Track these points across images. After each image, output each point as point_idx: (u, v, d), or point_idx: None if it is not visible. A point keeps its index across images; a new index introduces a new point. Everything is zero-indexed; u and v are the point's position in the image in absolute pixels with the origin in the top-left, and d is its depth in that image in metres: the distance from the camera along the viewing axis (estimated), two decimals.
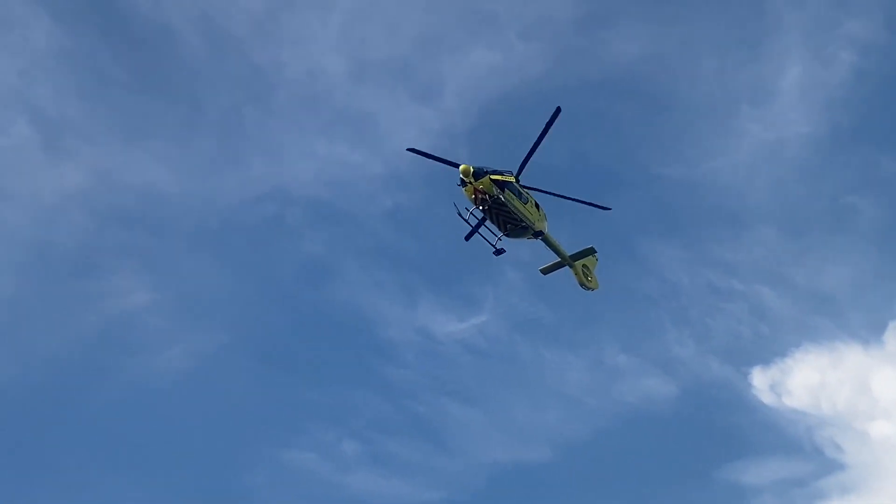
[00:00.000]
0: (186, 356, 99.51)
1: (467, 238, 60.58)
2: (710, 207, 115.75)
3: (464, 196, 58.39)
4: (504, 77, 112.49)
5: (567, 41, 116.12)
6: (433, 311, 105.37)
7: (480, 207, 58.45)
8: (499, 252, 60.85)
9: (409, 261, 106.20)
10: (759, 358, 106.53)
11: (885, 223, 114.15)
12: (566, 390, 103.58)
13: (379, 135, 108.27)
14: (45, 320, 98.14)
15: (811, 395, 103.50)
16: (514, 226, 59.94)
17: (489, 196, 57.60)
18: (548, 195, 60.87)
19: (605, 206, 62.14)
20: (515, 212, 59.07)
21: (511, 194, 58.61)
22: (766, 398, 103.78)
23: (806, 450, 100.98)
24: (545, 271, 67.18)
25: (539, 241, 63.30)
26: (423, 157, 58.73)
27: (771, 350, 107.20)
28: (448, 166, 57.98)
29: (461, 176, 57.40)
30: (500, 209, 58.49)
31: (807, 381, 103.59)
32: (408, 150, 59.32)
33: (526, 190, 60.18)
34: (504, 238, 60.60)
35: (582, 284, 67.11)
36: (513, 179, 58.88)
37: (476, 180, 57.31)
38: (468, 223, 59.43)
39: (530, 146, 58.26)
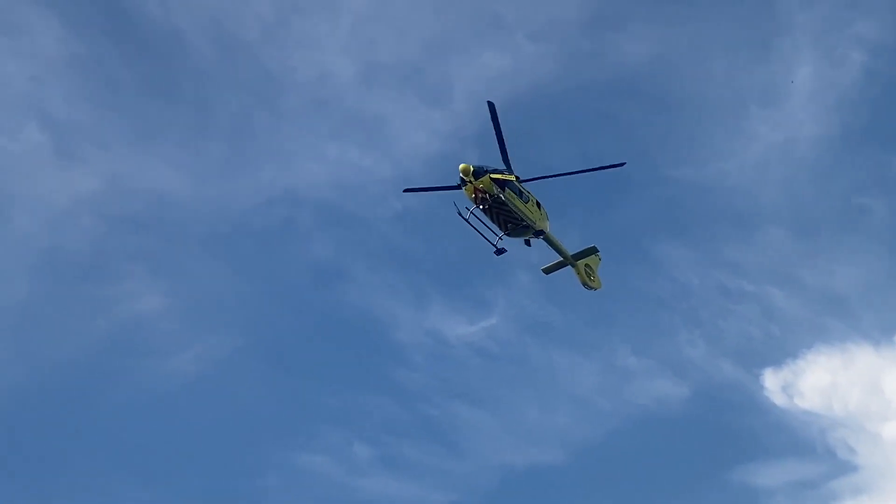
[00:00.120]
0: (198, 360, 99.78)
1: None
2: (721, 209, 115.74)
3: (464, 196, 58.12)
4: (513, 79, 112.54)
5: (576, 43, 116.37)
6: (444, 313, 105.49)
7: (481, 207, 58.19)
8: (500, 252, 60.41)
9: (419, 263, 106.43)
10: (770, 359, 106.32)
11: None
12: (577, 392, 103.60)
13: (389, 138, 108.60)
14: (57, 324, 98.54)
15: (823, 397, 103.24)
16: (515, 225, 59.63)
17: (489, 195, 57.37)
18: (560, 177, 60.33)
19: (618, 163, 61.01)
20: (516, 211, 58.77)
21: (512, 193, 58.31)
22: (778, 400, 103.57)
23: (818, 451, 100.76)
24: (547, 271, 66.95)
25: (541, 241, 62.90)
26: (422, 192, 59.80)
27: (782, 351, 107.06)
28: (449, 191, 58.24)
29: (461, 175, 57.19)
30: (501, 208, 58.21)
31: (818, 382, 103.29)
32: (404, 191, 61.02)
33: (527, 189, 59.87)
34: (505, 237, 60.27)
35: (584, 284, 66.89)
36: (513, 178, 58.55)
37: (476, 179, 57.08)
38: (468, 222, 59.05)
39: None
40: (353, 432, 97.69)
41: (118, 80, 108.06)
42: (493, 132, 58.15)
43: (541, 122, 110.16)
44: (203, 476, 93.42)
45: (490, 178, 57.23)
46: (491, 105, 57.53)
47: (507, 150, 58.73)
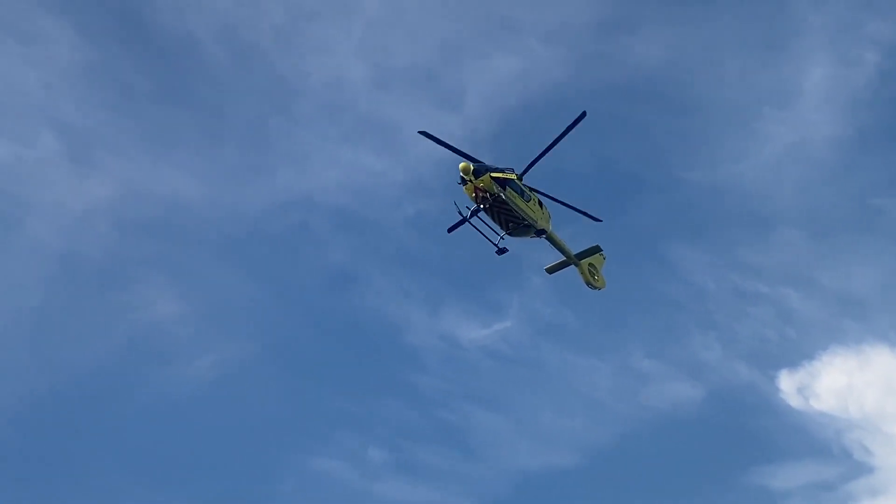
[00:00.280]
0: (214, 365, 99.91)
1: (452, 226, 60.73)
2: (735, 210, 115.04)
3: (465, 195, 58.09)
4: (526, 83, 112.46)
5: (589, 46, 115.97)
6: (458, 317, 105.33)
7: (482, 206, 58.13)
8: (501, 251, 60.30)
9: (432, 267, 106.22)
10: (786, 361, 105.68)
11: None
12: (592, 395, 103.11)
13: (402, 142, 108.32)
14: (73, 331, 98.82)
15: (839, 399, 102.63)
16: (517, 224, 59.55)
17: (490, 194, 57.25)
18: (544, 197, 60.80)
19: (596, 217, 62.46)
20: (517, 210, 58.64)
21: (513, 192, 58.15)
22: (794, 402, 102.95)
23: (834, 453, 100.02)
24: (550, 270, 66.83)
25: (545, 241, 63.03)
26: (437, 144, 58.04)
27: (798, 353, 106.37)
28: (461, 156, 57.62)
29: (461, 174, 57.04)
30: (502, 207, 58.11)
31: (834, 384, 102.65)
32: (419, 132, 58.47)
33: (529, 188, 59.80)
34: (506, 237, 60.21)
35: (588, 283, 66.76)
36: (514, 177, 58.37)
37: (476, 178, 56.87)
38: (469, 222, 59.20)
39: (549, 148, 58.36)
40: (368, 436, 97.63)
41: (132, 87, 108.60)
42: (558, 135, 58.03)
43: (553, 125, 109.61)
44: (219, 480, 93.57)
45: (490, 176, 57.01)
46: (583, 114, 57.37)
47: (543, 158, 58.94)
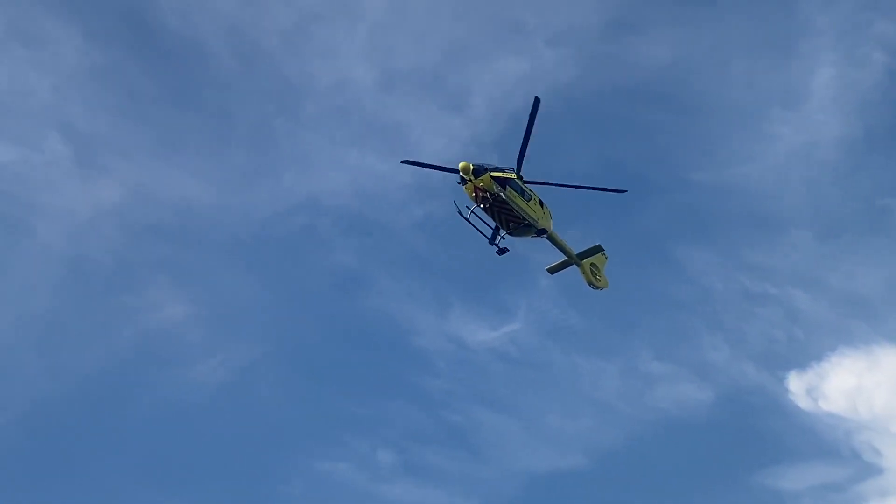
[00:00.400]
0: (222, 368, 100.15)
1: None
2: (743, 211, 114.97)
3: (465, 194, 57.90)
4: (532, 84, 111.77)
5: (595, 47, 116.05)
6: (465, 319, 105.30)
7: (482, 206, 57.92)
8: (502, 251, 60.37)
9: (440, 269, 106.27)
10: (794, 362, 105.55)
11: None
12: (600, 397, 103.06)
13: (408, 144, 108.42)
14: (82, 334, 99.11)
15: (848, 399, 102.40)
16: (517, 224, 59.36)
17: (490, 194, 57.05)
18: (561, 188, 60.10)
19: (620, 189, 60.99)
20: (518, 210, 58.43)
21: (513, 192, 57.92)
22: (803, 403, 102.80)
23: (844, 454, 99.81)
24: (552, 270, 66.68)
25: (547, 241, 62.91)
26: (421, 167, 58.76)
27: (807, 354, 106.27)
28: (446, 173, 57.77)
29: (461, 173, 56.87)
30: (502, 207, 57.93)
31: (843, 384, 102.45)
32: (402, 162, 59.65)
33: (529, 187, 59.48)
34: (507, 237, 60.11)
35: (590, 283, 66.60)
36: (514, 176, 58.07)
37: (476, 178, 56.73)
38: (469, 222, 58.79)
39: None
40: (377, 439, 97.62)
41: (139, 91, 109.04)
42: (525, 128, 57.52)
43: (561, 126, 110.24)
44: (227, 483, 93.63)
45: (490, 176, 56.84)
46: (537, 100, 57.27)
47: (527, 150, 58.35)
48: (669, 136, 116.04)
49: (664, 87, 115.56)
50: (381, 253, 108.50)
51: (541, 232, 61.22)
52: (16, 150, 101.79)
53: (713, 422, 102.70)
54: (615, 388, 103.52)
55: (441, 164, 58.12)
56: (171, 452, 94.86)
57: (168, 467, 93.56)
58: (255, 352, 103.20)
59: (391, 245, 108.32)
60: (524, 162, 58.53)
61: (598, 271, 67.06)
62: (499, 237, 60.09)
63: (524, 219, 59.19)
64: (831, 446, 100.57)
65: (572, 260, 65.81)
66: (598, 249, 66.86)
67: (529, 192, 59.41)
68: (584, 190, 60.39)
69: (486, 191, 57.04)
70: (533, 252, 64.63)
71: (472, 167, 56.76)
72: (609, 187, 60.83)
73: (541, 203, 60.52)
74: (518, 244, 61.19)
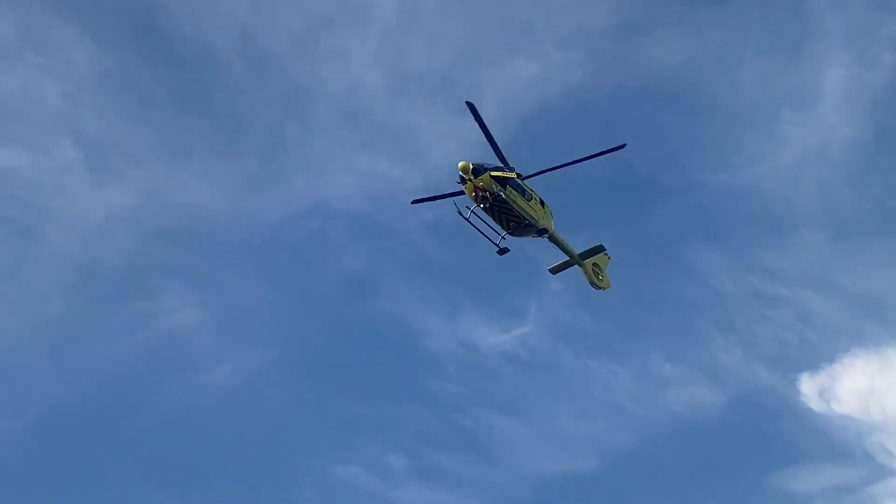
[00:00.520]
0: (233, 372, 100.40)
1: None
2: (754, 213, 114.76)
3: (465, 195, 57.68)
4: (543, 87, 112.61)
5: (605, 50, 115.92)
6: (476, 322, 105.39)
7: (482, 205, 57.65)
8: (503, 251, 59.87)
9: (450, 273, 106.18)
10: (806, 364, 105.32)
11: None
12: (612, 400, 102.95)
13: (419, 148, 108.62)
14: (94, 340, 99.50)
15: (860, 401, 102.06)
16: (518, 224, 59.05)
17: (490, 193, 56.77)
18: (565, 167, 59.17)
19: (618, 145, 59.47)
20: (518, 209, 58.09)
21: (514, 191, 57.58)
22: (815, 405, 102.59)
23: (856, 456, 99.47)
24: (554, 271, 66.37)
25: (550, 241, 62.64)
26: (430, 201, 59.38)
27: (819, 356, 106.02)
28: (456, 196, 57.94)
29: (460, 173, 56.67)
30: (502, 207, 57.65)
31: (856, 386, 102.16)
32: (412, 202, 60.69)
33: (530, 187, 59.20)
34: (508, 237, 59.76)
35: (593, 284, 66.25)
36: (514, 175, 57.79)
37: (476, 177, 56.50)
38: (469, 222, 58.50)
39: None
40: (388, 443, 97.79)
41: (150, 96, 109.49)
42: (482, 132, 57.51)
43: (571, 129, 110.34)
44: (239, 487, 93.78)
45: (490, 175, 56.58)
46: (470, 105, 57.34)
47: (501, 150, 58.15)
48: (680, 138, 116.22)
49: (674, 88, 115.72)
50: (392, 257, 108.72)
51: (542, 232, 60.87)
52: (28, 155, 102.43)
53: (725, 424, 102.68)
54: (627, 391, 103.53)
55: (448, 192, 58.37)
56: (182, 456, 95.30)
57: (180, 471, 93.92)
58: (266, 356, 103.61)
59: (401, 249, 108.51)
60: (507, 160, 58.47)
61: (601, 271, 66.68)
62: (500, 237, 59.75)
63: (525, 218, 58.87)
64: (844, 448, 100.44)
65: (574, 260, 65.52)
66: (600, 249, 66.51)
67: (530, 192, 59.04)
68: (586, 162, 59.13)
69: (486, 190, 56.77)
70: (542, 254, 64.81)
71: (471, 166, 56.55)
72: (606, 149, 59.50)
73: (542, 203, 60.15)
74: (526, 246, 61.30)
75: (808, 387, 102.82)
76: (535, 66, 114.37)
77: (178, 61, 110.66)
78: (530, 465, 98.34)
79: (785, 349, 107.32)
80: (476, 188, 56.82)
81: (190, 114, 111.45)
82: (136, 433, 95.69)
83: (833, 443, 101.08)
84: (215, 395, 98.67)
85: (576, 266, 66.12)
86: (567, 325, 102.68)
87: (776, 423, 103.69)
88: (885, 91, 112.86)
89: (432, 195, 59.01)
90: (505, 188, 57.19)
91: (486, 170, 56.82)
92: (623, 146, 59.41)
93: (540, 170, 59.03)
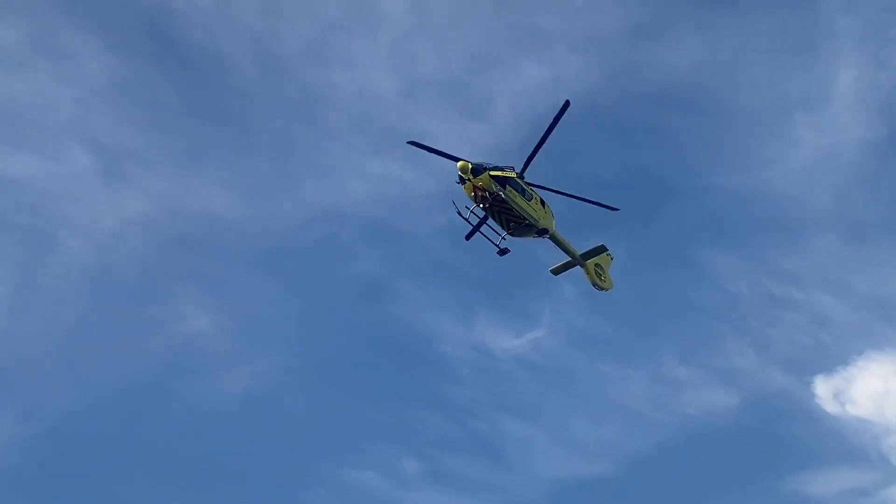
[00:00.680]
0: (248, 378, 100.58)
1: (468, 237, 59.75)
2: (767, 216, 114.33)
3: (464, 194, 57.66)
4: (555, 91, 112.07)
5: (617, 53, 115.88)
6: (489, 327, 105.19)
7: (481, 206, 57.51)
8: (503, 252, 59.80)
9: (464, 277, 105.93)
10: (821, 367, 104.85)
11: None
12: (626, 404, 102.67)
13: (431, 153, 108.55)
14: (109, 346, 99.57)
15: (875, 404, 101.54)
16: (518, 224, 58.83)
17: (489, 193, 56.60)
18: (556, 195, 59.86)
19: (613, 206, 60.80)
20: (518, 209, 57.88)
21: (513, 191, 57.38)
22: (830, 407, 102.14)
23: (871, 458, 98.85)
24: (556, 272, 66.28)
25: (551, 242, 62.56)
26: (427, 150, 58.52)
27: (833, 359, 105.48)
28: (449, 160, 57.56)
29: (459, 173, 56.62)
30: (502, 207, 57.45)
31: (871, 389, 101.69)
32: (408, 143, 59.57)
33: (531, 187, 59.04)
34: (508, 237, 59.67)
35: (595, 284, 66.01)
36: (514, 175, 57.57)
37: (475, 177, 56.36)
38: (469, 222, 58.52)
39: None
40: (402, 447, 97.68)
41: (163, 102, 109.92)
42: (547, 127, 57.25)
43: (584, 133, 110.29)
44: (253, 492, 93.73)
45: (489, 175, 56.40)
46: (567, 103, 56.98)
47: (538, 154, 58.09)
48: (693, 141, 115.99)
49: (687, 91, 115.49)
50: (405, 261, 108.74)
51: (542, 232, 60.63)
52: (41, 163, 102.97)
53: (740, 427, 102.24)
54: (641, 394, 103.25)
55: (449, 153, 57.94)
56: (197, 461, 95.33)
57: (194, 476, 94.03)
58: (280, 361, 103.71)
59: (414, 253, 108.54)
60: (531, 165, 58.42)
61: (603, 272, 66.46)
62: (500, 238, 59.69)
63: (525, 219, 58.65)
64: (859, 451, 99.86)
65: (576, 261, 65.33)
66: (602, 249, 66.15)
67: (530, 192, 58.90)
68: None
69: (485, 190, 56.60)
70: (554, 258, 64.76)
71: (470, 166, 56.45)
72: (602, 202, 60.65)
73: (542, 203, 60.00)
74: (537, 250, 61.32)
75: (822, 389, 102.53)
76: (547, 70, 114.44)
77: (190, 67, 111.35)
78: (544, 470, 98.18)
79: (799, 351, 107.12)
80: (475, 188, 56.69)
81: (202, 120, 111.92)
82: (151, 438, 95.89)
83: (848, 445, 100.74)
84: (230, 400, 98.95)
85: (578, 267, 65.98)
86: (580, 329, 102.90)
87: (791, 425, 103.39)
88: None
89: (433, 148, 58.46)
90: (504, 188, 56.99)
91: (485, 169, 56.63)
92: (617, 209, 61.11)
93: (539, 184, 59.35)
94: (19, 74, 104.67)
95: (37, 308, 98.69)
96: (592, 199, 60.38)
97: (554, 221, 61.44)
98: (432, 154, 58.22)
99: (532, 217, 58.96)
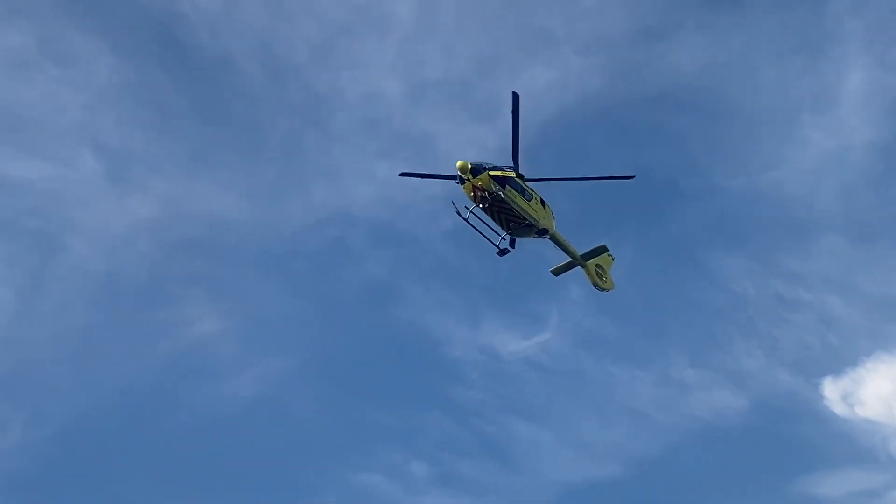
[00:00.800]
0: (256, 381, 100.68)
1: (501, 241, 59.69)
2: (775, 217, 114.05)
3: (464, 194, 57.48)
4: (562, 93, 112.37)
5: (624, 55, 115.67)
6: (497, 329, 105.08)
7: (481, 206, 57.29)
8: (503, 252, 59.73)
9: (471, 280, 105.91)
10: (829, 368, 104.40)
11: None
12: (634, 406, 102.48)
13: (438, 155, 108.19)
14: (116, 350, 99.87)
15: (884, 405, 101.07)
16: (518, 224, 58.65)
17: (489, 193, 56.42)
18: (568, 181, 59.51)
19: (627, 175, 59.74)
20: (518, 209, 57.71)
21: (513, 191, 57.19)
22: (839, 409, 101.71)
23: (881, 460, 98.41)
24: (556, 272, 66.17)
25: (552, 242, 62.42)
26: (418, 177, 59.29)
27: (842, 360, 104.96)
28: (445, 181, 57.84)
29: (458, 173, 56.51)
30: (502, 207, 57.27)
31: (880, 390, 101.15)
32: (400, 175, 60.43)
33: (531, 186, 58.90)
34: (507, 237, 59.52)
35: (595, 285, 65.86)
36: (514, 175, 57.29)
37: (474, 177, 56.22)
38: (468, 222, 58.19)
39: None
40: (410, 450, 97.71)
41: (170, 106, 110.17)
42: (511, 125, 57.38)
43: (590, 135, 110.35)
44: (261, 495, 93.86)
45: (489, 175, 56.21)
46: (515, 96, 57.07)
47: (519, 147, 57.94)
48: (700, 143, 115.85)
49: (694, 93, 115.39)
50: (413, 264, 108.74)
51: (542, 232, 60.41)
52: (49, 167, 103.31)
53: (748, 429, 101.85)
54: (649, 396, 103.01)
55: (440, 174, 58.41)
56: (205, 465, 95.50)
57: (203, 479, 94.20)
58: (288, 364, 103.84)
59: (422, 256, 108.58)
60: (520, 160, 58.23)
61: (604, 272, 66.31)
62: (500, 238, 59.58)
63: (525, 219, 58.49)
64: (868, 452, 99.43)
65: (576, 261, 65.21)
66: (603, 250, 66.03)
67: (530, 192, 58.72)
68: (591, 181, 59.54)
69: (484, 190, 56.46)
70: (530, 253, 64.57)
71: (469, 166, 56.28)
72: (615, 175, 59.71)
73: (542, 203, 59.84)
74: (545, 251, 61.22)
75: (831, 391, 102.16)
76: (554, 72, 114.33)
77: (197, 71, 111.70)
78: (553, 472, 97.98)
79: (808, 353, 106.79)
80: (475, 188, 56.53)
81: (210, 123, 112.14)
82: (159, 442, 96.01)
83: (857, 447, 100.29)
84: (238, 403, 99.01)
85: (578, 267, 65.88)
86: (588, 331, 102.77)
87: (799, 427, 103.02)
88: None
89: (424, 174, 58.99)
90: (504, 188, 56.83)
91: (484, 169, 56.45)
92: (632, 177, 59.89)
93: (540, 177, 59.06)
94: (27, 78, 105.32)
95: (45, 311, 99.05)
96: (604, 176, 59.70)
97: (554, 221, 61.26)
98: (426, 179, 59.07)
99: (532, 217, 58.78)
